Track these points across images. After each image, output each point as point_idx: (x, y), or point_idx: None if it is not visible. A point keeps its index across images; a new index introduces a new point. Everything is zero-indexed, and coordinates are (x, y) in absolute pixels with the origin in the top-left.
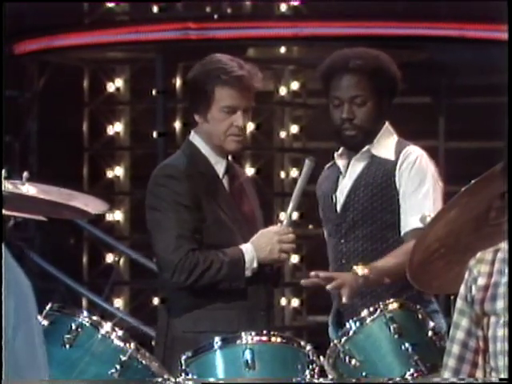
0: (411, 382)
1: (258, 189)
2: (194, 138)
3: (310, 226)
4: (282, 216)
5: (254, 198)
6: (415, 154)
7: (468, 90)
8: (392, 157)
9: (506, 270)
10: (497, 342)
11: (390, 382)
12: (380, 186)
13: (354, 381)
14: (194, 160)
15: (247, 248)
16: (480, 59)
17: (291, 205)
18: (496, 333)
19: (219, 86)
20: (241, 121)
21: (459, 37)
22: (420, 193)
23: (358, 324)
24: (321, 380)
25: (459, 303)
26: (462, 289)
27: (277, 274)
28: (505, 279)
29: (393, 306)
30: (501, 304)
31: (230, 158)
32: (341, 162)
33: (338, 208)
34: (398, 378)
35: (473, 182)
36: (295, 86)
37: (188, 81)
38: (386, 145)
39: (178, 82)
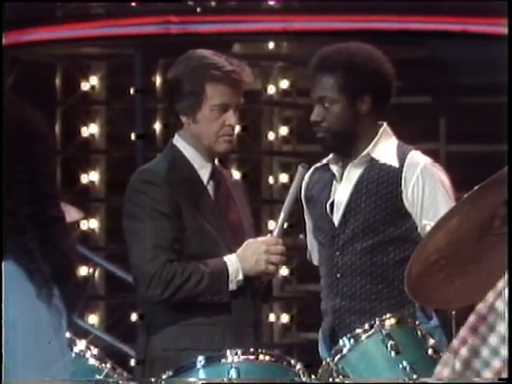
0: (410, 382)
1: (249, 195)
2: (178, 141)
3: (301, 236)
4: (271, 225)
5: (244, 205)
6: (422, 161)
7: (471, 90)
8: (395, 163)
9: None
10: None
11: (390, 382)
12: (385, 197)
13: (353, 381)
14: (176, 165)
15: (231, 259)
16: (484, 56)
17: (282, 214)
18: None
19: (210, 82)
20: (233, 119)
21: (462, 32)
22: (435, 201)
23: (352, 341)
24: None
25: (505, 309)
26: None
27: (266, 288)
28: None
29: (390, 321)
30: None
31: (216, 162)
32: (335, 167)
33: (336, 218)
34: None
35: (476, 187)
36: (285, 84)
37: (171, 79)
38: (385, 149)
39: (159, 79)
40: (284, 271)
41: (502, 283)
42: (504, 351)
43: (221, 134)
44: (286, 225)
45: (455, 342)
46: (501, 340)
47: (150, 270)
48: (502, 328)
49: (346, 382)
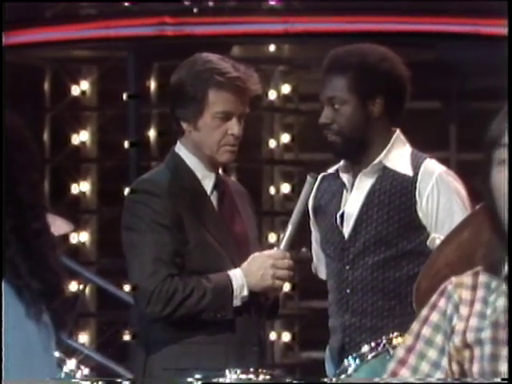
0: (409, 382)
1: (255, 206)
2: (180, 149)
3: (304, 249)
4: (272, 237)
5: (250, 217)
6: (437, 170)
7: (482, 94)
8: (409, 171)
9: (491, 298)
10: (485, 377)
11: (390, 382)
12: (398, 208)
13: (353, 381)
14: (179, 174)
15: (236, 273)
16: (496, 59)
17: (290, 227)
18: (484, 368)
19: (213, 88)
20: (236, 128)
21: (472, 33)
22: (451, 212)
23: (357, 361)
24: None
25: (431, 334)
26: (436, 318)
27: (272, 305)
28: (489, 311)
29: (397, 340)
30: (486, 334)
31: (220, 171)
32: (345, 176)
33: (346, 230)
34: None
35: None
36: (286, 89)
37: (173, 84)
38: (399, 156)
39: (153, 84)
40: (286, 287)
41: (426, 311)
42: (438, 375)
43: (222, 143)
44: (291, 240)
45: (385, 377)
46: (432, 366)
47: (150, 286)
48: (433, 354)
49: (346, 382)
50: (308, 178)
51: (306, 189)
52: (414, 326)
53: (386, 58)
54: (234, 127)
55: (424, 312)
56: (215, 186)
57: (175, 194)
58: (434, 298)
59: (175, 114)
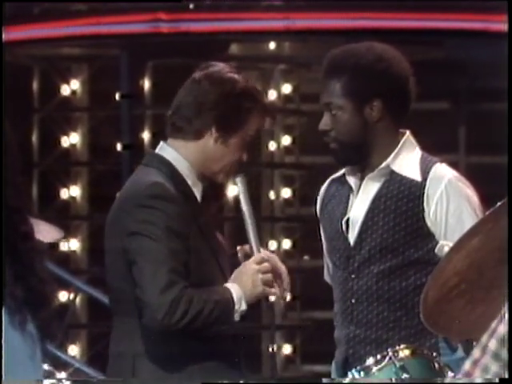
0: (411, 382)
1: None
2: (165, 150)
3: (306, 257)
4: (272, 245)
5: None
6: (447, 175)
7: (493, 94)
8: (417, 176)
9: None
10: None
11: (389, 382)
12: (405, 215)
13: (352, 381)
14: (174, 179)
15: (234, 286)
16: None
17: (249, 231)
18: None
19: (257, 111)
20: (245, 154)
21: (482, 31)
22: (461, 220)
23: (362, 374)
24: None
25: (497, 348)
26: (503, 330)
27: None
28: None
29: (404, 352)
30: None
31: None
32: (352, 179)
33: (351, 236)
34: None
35: (499, 204)
36: (287, 89)
37: (221, 93)
38: (407, 160)
39: (147, 83)
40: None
41: (495, 323)
42: None
43: (235, 164)
44: (258, 241)
45: None
46: (496, 376)
47: (167, 298)
48: (497, 368)
49: (346, 381)
50: (237, 178)
51: (243, 190)
52: (483, 338)
53: (382, 58)
54: (246, 150)
55: (493, 324)
56: (204, 195)
57: (179, 199)
58: (503, 309)
59: (205, 117)
